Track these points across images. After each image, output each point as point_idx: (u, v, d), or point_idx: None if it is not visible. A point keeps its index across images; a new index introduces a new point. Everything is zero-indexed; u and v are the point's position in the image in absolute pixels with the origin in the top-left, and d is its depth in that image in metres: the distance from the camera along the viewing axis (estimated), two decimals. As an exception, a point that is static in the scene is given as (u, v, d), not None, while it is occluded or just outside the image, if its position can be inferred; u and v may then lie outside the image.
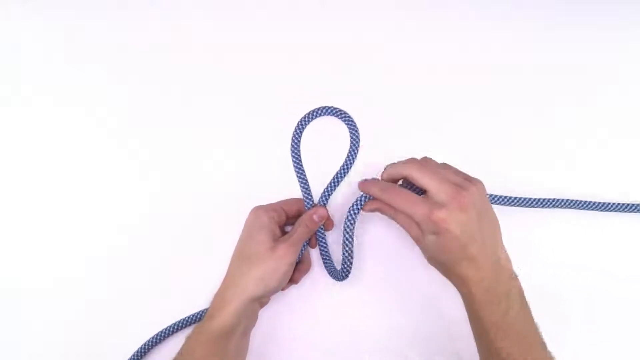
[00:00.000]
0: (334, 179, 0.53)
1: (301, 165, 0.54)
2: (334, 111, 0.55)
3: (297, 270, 0.50)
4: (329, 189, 0.53)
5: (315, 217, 0.50)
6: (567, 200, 0.54)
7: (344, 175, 0.54)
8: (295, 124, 0.55)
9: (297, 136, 0.54)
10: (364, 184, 0.46)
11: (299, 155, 0.54)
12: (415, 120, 0.57)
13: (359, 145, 0.54)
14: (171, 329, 0.50)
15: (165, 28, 0.60)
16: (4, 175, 0.56)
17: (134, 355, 0.50)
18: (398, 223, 0.46)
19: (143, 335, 0.50)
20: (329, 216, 0.52)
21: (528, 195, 0.54)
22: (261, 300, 0.47)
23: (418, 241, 0.44)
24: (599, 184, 0.56)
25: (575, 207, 0.54)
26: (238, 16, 0.60)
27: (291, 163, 0.54)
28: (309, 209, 0.51)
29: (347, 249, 0.47)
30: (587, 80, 0.59)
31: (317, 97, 0.56)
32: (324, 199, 0.53)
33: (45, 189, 0.56)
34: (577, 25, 0.60)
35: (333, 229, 0.53)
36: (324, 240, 0.51)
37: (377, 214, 0.49)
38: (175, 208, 0.55)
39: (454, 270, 0.42)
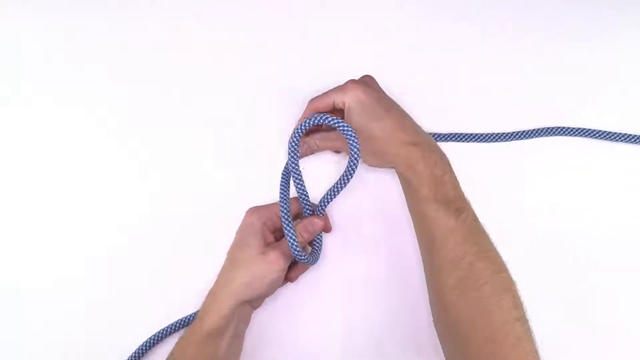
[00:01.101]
0: (334, 186, 0.50)
1: (299, 172, 0.49)
2: (329, 120, 0.46)
3: (295, 268, 0.49)
4: (329, 196, 0.50)
5: (310, 227, 0.49)
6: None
7: (344, 185, 0.50)
8: (290, 134, 0.48)
9: (294, 142, 0.48)
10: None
11: (297, 162, 0.49)
12: (415, 120, 0.56)
13: (358, 158, 0.47)
14: (170, 329, 0.50)
15: (165, 28, 0.60)
16: (4, 175, 0.56)
17: (132, 355, 0.50)
18: (329, 148, 0.54)
19: (143, 336, 0.50)
20: (327, 222, 0.51)
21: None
22: (252, 304, 0.47)
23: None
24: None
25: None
26: (238, 16, 0.60)
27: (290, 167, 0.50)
28: (306, 215, 0.50)
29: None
30: (587, 80, 0.59)
31: (317, 97, 0.56)
32: (322, 205, 0.50)
33: (45, 189, 0.55)
34: (577, 25, 0.60)
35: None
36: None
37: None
38: (175, 208, 0.55)
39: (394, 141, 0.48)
